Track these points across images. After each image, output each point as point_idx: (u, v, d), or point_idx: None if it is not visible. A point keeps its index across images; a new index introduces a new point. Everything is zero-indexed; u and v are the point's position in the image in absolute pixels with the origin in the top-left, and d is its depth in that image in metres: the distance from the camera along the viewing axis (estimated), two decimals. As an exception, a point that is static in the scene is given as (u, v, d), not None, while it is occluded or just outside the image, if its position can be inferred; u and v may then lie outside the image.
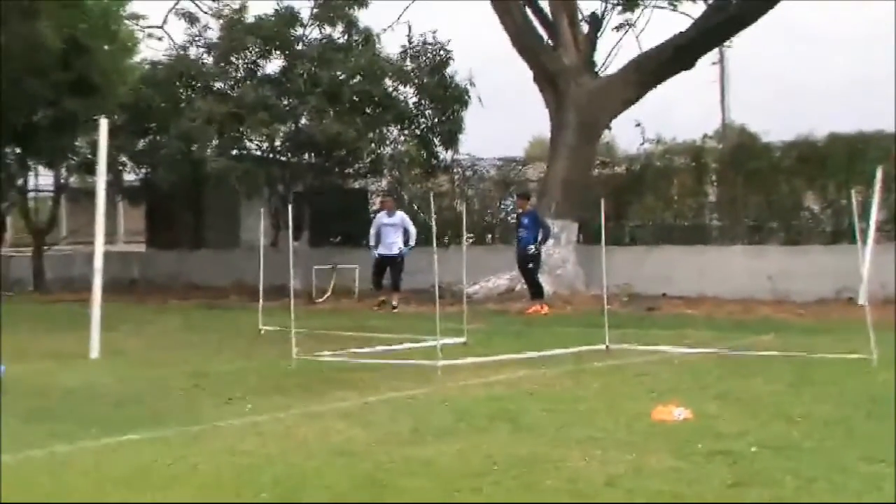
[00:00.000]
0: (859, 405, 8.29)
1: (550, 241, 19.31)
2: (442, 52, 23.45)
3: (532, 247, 18.46)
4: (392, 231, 19.63)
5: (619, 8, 22.87)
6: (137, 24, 26.53)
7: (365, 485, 5.94)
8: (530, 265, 18.56)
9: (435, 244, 12.58)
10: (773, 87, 55.09)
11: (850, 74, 59.34)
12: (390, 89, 23.41)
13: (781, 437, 7.09)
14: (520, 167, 25.10)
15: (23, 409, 8.69)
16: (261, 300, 15.29)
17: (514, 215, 21.03)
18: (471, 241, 22.28)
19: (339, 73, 22.49)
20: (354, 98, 22.58)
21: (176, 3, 26.09)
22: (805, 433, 7.20)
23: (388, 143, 23.60)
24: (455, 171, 25.09)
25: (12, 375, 10.34)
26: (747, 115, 43.72)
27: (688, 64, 21.77)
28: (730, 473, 6.08)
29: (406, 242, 19.60)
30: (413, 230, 19.66)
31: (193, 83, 24.24)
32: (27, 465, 6.59)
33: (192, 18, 25.15)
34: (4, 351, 12.16)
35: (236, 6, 24.83)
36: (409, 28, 23.74)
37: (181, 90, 24.34)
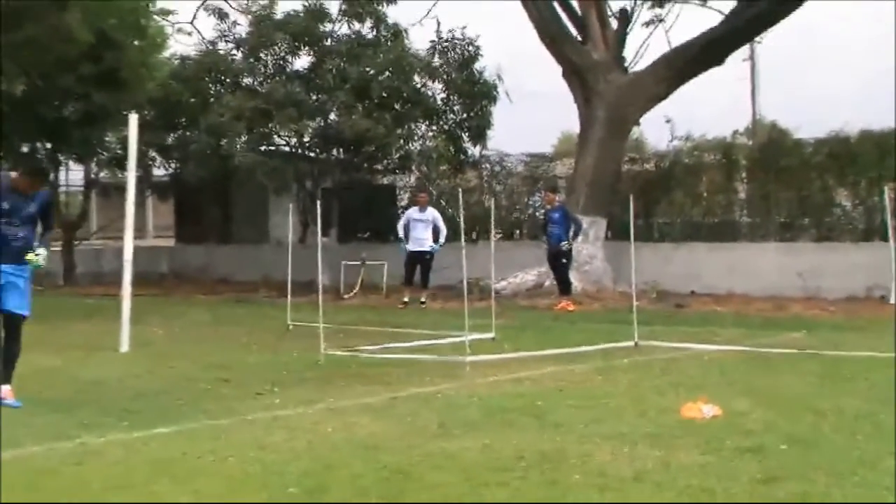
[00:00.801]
0: (888, 401, 8.22)
1: (580, 237, 19.26)
2: (470, 48, 23.40)
3: (565, 242, 18.42)
4: (422, 227, 19.60)
5: (649, 3, 22.80)
6: (167, 20, 26.64)
7: (392, 479, 5.94)
8: (563, 261, 18.52)
9: (463, 240, 12.56)
10: (803, 83, 54.85)
11: (880, 70, 58.89)
12: (419, 85, 23.39)
13: (811, 433, 7.05)
14: (548, 163, 25.03)
15: (52, 400, 8.75)
16: (289, 295, 15.31)
17: (542, 211, 20.97)
18: (499, 236, 22.24)
19: (367, 68, 22.48)
20: (383, 94, 22.57)
21: (205, 0, 26.14)
22: (834, 429, 7.17)
23: (416, 138, 23.57)
24: (483, 166, 25.05)
25: (42, 367, 10.42)
26: (778, 112, 43.56)
27: (718, 60, 21.66)
28: (759, 469, 6.04)
29: (436, 240, 19.57)
30: (444, 227, 19.62)
31: (222, 79, 24.31)
32: (56, 455, 6.62)
33: (221, 14, 25.19)
34: (35, 343, 12.25)
35: (265, 2, 24.88)
36: (438, 24, 23.72)
37: (210, 85, 24.40)
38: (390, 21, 23.78)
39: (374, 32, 23.78)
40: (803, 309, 17.17)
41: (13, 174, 8.75)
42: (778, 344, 12.53)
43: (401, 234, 19.84)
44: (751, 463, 6.21)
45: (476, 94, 23.36)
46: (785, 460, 6.27)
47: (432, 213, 19.86)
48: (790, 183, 20.81)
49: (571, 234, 18.53)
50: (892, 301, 13.93)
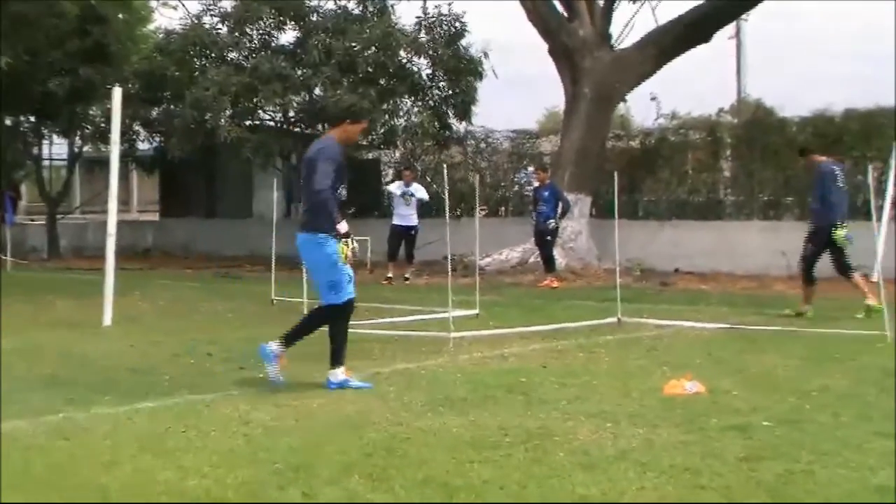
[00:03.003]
0: (873, 381, 8.27)
1: (567, 216, 19.25)
2: (457, 24, 23.33)
3: (552, 220, 18.41)
4: (406, 202, 19.58)
5: (636, -19, 22.75)
6: (152, -7, 26.53)
7: (377, 455, 5.95)
8: (548, 238, 18.51)
9: (448, 216, 12.55)
10: (789, 61, 54.91)
11: (870, 49, 58.99)
12: (404, 61, 23.32)
13: (795, 412, 7.08)
14: (533, 140, 25.02)
15: (37, 375, 8.74)
16: (273, 270, 15.30)
17: (529, 188, 20.96)
18: (483, 213, 22.25)
19: (353, 44, 22.39)
20: (369, 69, 22.49)
21: (191, -27, 26.01)
22: (819, 408, 7.20)
23: (401, 114, 23.53)
24: (468, 142, 25.03)
25: (26, 342, 10.39)
26: (764, 90, 43.57)
27: (704, 38, 21.63)
28: (743, 447, 6.07)
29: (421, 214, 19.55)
30: (426, 197, 19.58)
31: (207, 53, 24.18)
32: (42, 430, 6.61)
33: (206, -13, 25.06)
34: (19, 318, 12.23)
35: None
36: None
37: (195, 60, 24.27)
38: (377, -4, 23.69)
39: (361, 8, 23.69)
40: (788, 287, 17.21)
41: None
42: (762, 322, 12.58)
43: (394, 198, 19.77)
44: (735, 441, 6.23)
45: (462, 70, 23.31)
46: (769, 439, 6.30)
47: (417, 187, 19.84)
48: (775, 162, 20.83)
49: (559, 212, 18.52)
50: (874, 279, 13.95)
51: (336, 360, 8.30)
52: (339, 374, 8.26)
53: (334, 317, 8.40)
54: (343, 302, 8.33)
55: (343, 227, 8.27)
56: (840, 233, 13.35)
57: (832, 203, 13.39)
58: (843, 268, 13.58)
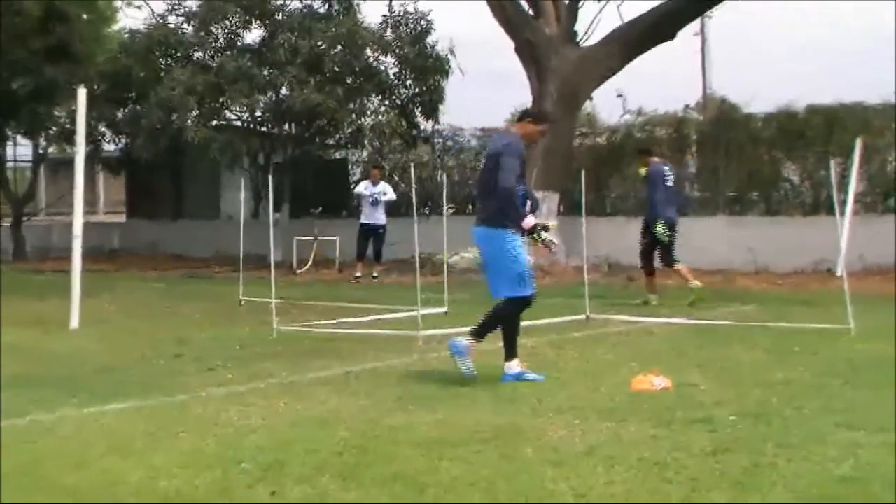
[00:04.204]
0: (837, 374, 8.36)
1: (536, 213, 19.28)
2: (423, 22, 23.37)
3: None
4: (374, 201, 19.61)
5: (600, -22, 22.81)
6: (116, -8, 26.40)
7: (347, 453, 5.96)
8: None
9: (416, 214, 12.58)
10: (754, 57, 55.15)
11: (832, 45, 59.37)
12: (371, 59, 23.33)
13: (760, 405, 7.15)
14: (500, 138, 25.00)
15: (3, 377, 8.68)
16: (241, 271, 15.27)
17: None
18: (451, 211, 22.28)
19: (319, 42, 22.37)
20: (335, 68, 22.49)
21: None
22: (784, 401, 7.26)
23: (368, 113, 23.53)
24: (435, 141, 25.04)
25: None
26: (729, 87, 43.73)
27: (669, 35, 21.69)
28: (709, 441, 6.12)
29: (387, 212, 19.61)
30: (393, 197, 19.66)
31: (173, 52, 24.11)
32: (8, 433, 6.58)
33: (171, -13, 24.97)
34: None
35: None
36: (390, -2, 23.67)
37: (160, 59, 24.20)
38: (342, -5, 23.69)
39: (326, 6, 23.70)
40: (753, 283, 17.38)
41: None
42: (728, 317, 12.68)
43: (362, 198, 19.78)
44: (701, 434, 6.29)
45: (428, 68, 23.34)
46: (735, 432, 6.36)
47: (384, 186, 19.87)
48: (739, 157, 20.97)
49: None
50: (838, 273, 14.13)
51: (510, 352, 8.42)
52: (515, 366, 8.39)
53: (520, 310, 8.51)
54: (528, 295, 8.43)
55: (529, 221, 8.40)
56: (660, 228, 14.52)
57: (659, 200, 14.57)
58: (668, 259, 14.83)
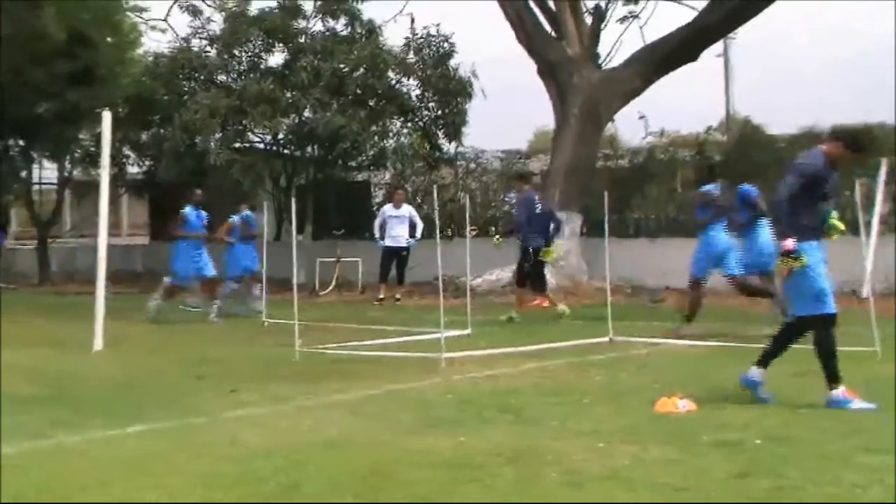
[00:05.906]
0: (863, 397, 8.27)
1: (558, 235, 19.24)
2: (445, 45, 23.41)
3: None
4: (398, 223, 19.65)
5: (623, 0, 22.87)
6: (140, 17, 26.58)
7: (366, 476, 5.93)
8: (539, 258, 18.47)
9: (438, 237, 12.56)
10: (777, 78, 54.99)
11: (855, 65, 59.19)
12: (393, 82, 23.38)
13: (785, 428, 7.08)
14: (523, 160, 25.04)
15: (27, 398, 8.70)
16: (264, 292, 15.28)
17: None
18: (474, 233, 22.23)
19: (342, 65, 22.45)
20: (357, 91, 22.56)
21: (179, -4, 26.05)
22: (808, 424, 7.20)
23: (391, 135, 23.55)
24: (458, 163, 25.06)
25: (17, 365, 10.36)
26: (752, 107, 43.71)
27: (692, 56, 21.72)
28: (733, 465, 6.06)
29: (412, 235, 19.63)
30: (419, 223, 19.74)
31: (196, 76, 24.24)
32: (32, 454, 6.59)
33: (194, 11, 25.14)
34: (10, 341, 12.18)
35: (239, -1, 24.85)
36: (412, 20, 23.75)
37: (184, 83, 24.32)
38: (365, 18, 23.80)
39: (349, 29, 23.77)
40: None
41: None
42: (752, 339, 12.57)
43: (377, 233, 19.83)
44: (724, 458, 6.23)
45: (451, 90, 23.36)
46: (759, 456, 6.30)
47: (408, 209, 19.90)
48: (764, 178, 20.85)
49: (551, 231, 18.49)
50: (864, 296, 13.99)
51: (832, 377, 8.04)
52: (839, 393, 7.98)
53: (815, 329, 8.21)
54: (825, 313, 8.14)
55: (789, 244, 7.99)
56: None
57: (525, 227, 15.67)
58: (523, 279, 15.86)
